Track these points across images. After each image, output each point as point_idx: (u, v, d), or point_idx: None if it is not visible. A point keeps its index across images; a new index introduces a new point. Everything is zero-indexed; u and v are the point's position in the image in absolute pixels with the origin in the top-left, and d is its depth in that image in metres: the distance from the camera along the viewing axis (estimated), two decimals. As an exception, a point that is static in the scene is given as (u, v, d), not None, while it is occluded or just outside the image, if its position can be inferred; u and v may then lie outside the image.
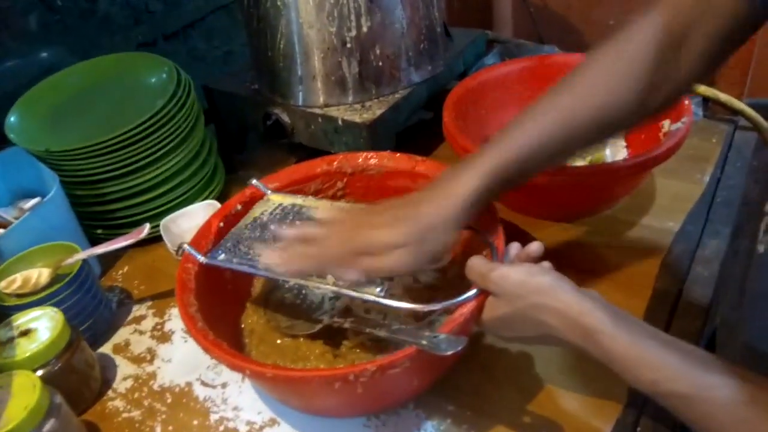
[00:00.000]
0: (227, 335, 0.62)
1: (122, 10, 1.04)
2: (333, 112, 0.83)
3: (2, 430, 0.51)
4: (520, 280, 0.48)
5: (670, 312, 0.65)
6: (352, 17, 0.77)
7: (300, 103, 0.85)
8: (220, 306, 0.63)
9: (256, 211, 0.68)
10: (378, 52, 0.81)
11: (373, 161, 0.71)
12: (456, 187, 0.52)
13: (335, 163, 0.71)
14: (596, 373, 0.56)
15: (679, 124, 0.71)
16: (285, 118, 0.86)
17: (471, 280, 0.52)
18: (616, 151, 0.80)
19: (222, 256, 0.62)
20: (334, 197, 0.73)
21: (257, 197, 0.69)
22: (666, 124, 0.74)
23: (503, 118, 0.81)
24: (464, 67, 0.95)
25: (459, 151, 0.74)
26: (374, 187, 0.72)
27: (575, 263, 0.71)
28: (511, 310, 0.49)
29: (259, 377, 0.54)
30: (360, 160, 0.71)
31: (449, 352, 0.47)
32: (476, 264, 0.52)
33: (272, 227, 0.63)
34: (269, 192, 0.69)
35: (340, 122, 0.81)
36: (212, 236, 0.65)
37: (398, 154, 0.70)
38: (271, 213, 0.67)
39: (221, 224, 0.66)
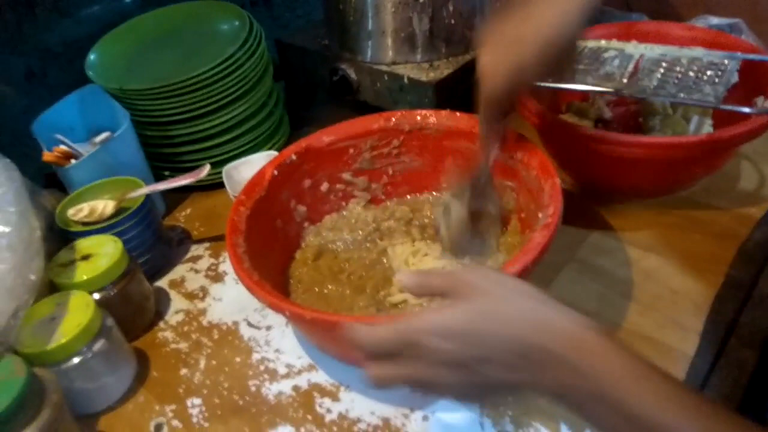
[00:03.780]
0: (273, 281, 0.62)
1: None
2: (400, 69, 0.81)
3: (55, 344, 0.53)
4: None
5: (742, 302, 0.60)
6: (427, -30, 0.75)
7: (368, 59, 0.84)
8: (269, 252, 0.64)
9: None
10: (451, 8, 0.78)
11: (431, 120, 0.69)
12: None
13: (393, 119, 0.70)
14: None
15: (774, 101, 0.65)
16: (352, 74, 0.85)
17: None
18: (700, 128, 0.74)
19: (550, 80, 0.65)
20: (389, 155, 0.72)
21: (312, 149, 0.69)
22: (759, 101, 0.68)
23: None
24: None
25: (526, 116, 0.71)
26: (431, 147, 0.70)
27: (643, 242, 0.67)
28: None
29: (298, 319, 0.54)
30: (418, 117, 0.69)
31: None
32: None
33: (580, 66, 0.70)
34: None
35: (405, 80, 0.79)
36: (266, 183, 0.65)
37: (458, 114, 0.68)
38: (579, 52, 0.72)
39: (275, 172, 0.66)
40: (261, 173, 0.66)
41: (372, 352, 0.40)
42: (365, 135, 0.71)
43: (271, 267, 0.64)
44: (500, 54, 0.50)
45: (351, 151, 0.71)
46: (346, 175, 0.73)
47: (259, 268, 0.57)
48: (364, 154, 0.71)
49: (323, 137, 0.70)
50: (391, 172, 0.74)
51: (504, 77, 0.50)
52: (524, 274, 0.49)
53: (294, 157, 0.68)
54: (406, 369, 0.39)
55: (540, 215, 0.55)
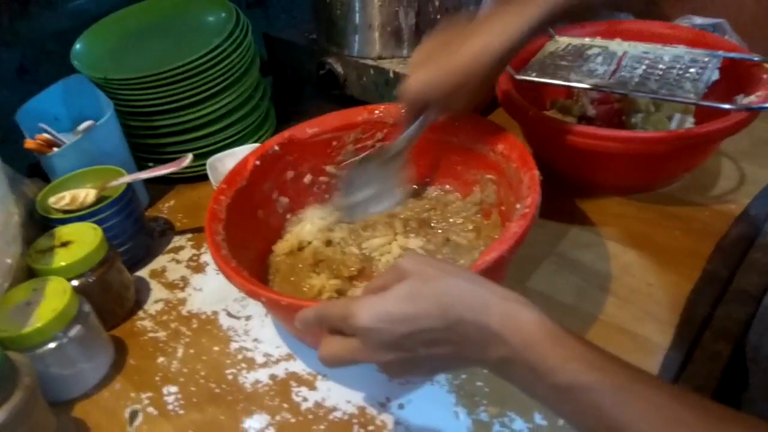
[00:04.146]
0: (253, 270, 0.62)
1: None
2: (386, 64, 0.81)
3: (31, 328, 0.53)
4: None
5: (717, 296, 0.60)
6: (413, -35, 0.75)
7: (354, 53, 0.84)
8: (249, 242, 0.64)
9: (549, 48, 0.77)
10: (437, 3, 0.79)
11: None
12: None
13: (376, 112, 0.70)
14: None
15: (752, 98, 0.65)
16: (338, 68, 0.86)
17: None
18: (681, 126, 0.74)
19: (534, 75, 0.71)
20: (372, 147, 0.71)
21: (295, 140, 0.69)
22: (739, 98, 0.69)
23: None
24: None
25: (511, 112, 0.71)
26: None
27: (622, 237, 0.68)
28: None
29: (274, 306, 0.54)
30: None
31: None
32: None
33: (564, 62, 0.74)
34: (555, 35, 0.80)
35: (391, 74, 0.80)
36: (247, 173, 0.65)
37: None
38: (563, 49, 0.77)
39: (257, 162, 0.66)
40: (243, 163, 0.66)
41: (326, 328, 0.42)
42: (349, 128, 0.71)
43: (252, 256, 0.64)
44: (431, 59, 0.56)
45: (334, 143, 0.71)
46: (330, 168, 0.73)
47: (239, 257, 0.57)
48: (348, 146, 0.71)
49: (306, 129, 0.70)
50: None
51: (427, 76, 0.55)
52: (501, 263, 0.49)
53: (276, 147, 0.68)
54: (351, 349, 0.41)
55: (518, 206, 0.55)
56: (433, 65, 0.55)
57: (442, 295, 0.38)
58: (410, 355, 0.39)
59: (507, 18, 0.54)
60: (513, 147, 0.61)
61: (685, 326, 0.57)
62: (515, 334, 0.36)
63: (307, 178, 0.72)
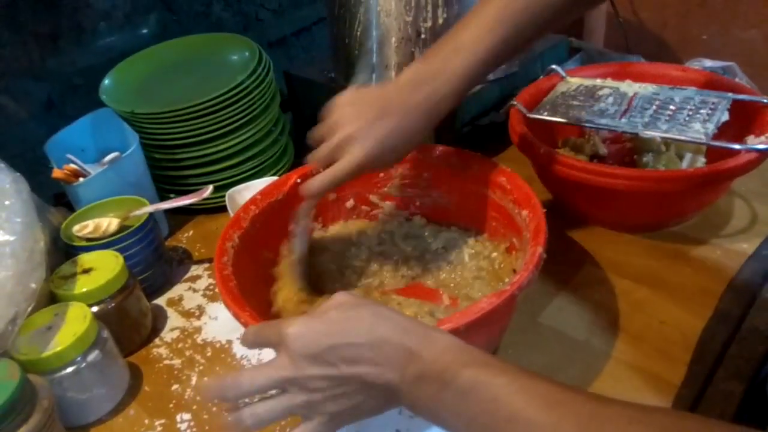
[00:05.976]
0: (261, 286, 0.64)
1: (234, 17, 1.11)
2: (402, 101, 0.83)
3: (50, 351, 0.55)
4: None
5: (730, 334, 0.60)
6: (429, 8, 0.78)
7: (371, 91, 0.87)
8: (272, 248, 0.66)
9: (561, 88, 0.80)
10: (452, 44, 0.81)
11: (457, 160, 0.69)
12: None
13: (425, 151, 0.70)
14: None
15: (762, 138, 0.66)
16: (356, 105, 0.88)
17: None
18: (693, 165, 0.75)
19: (545, 114, 0.74)
20: (417, 186, 0.73)
21: None
22: (750, 139, 0.70)
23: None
24: (542, 72, 0.93)
25: (524, 150, 0.73)
26: (458, 187, 0.70)
27: (634, 274, 0.68)
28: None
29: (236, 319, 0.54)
30: (451, 157, 0.69)
31: None
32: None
33: (575, 102, 0.76)
34: (566, 76, 0.82)
35: (406, 111, 0.82)
36: (287, 188, 0.68)
37: (487, 160, 0.68)
38: (574, 90, 0.79)
39: (299, 180, 0.68)
40: (284, 179, 0.69)
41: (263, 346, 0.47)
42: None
43: (265, 273, 0.66)
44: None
45: (381, 174, 0.72)
46: (374, 197, 0.74)
47: (253, 263, 0.61)
48: (394, 180, 0.72)
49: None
50: (418, 203, 0.74)
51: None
52: (458, 334, 0.44)
53: (322, 170, 0.70)
54: (276, 365, 0.43)
55: (506, 280, 0.52)
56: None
57: (370, 317, 0.42)
58: (332, 372, 0.41)
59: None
60: (534, 216, 0.58)
61: (698, 364, 0.57)
62: (428, 351, 0.40)
63: (350, 203, 0.73)
